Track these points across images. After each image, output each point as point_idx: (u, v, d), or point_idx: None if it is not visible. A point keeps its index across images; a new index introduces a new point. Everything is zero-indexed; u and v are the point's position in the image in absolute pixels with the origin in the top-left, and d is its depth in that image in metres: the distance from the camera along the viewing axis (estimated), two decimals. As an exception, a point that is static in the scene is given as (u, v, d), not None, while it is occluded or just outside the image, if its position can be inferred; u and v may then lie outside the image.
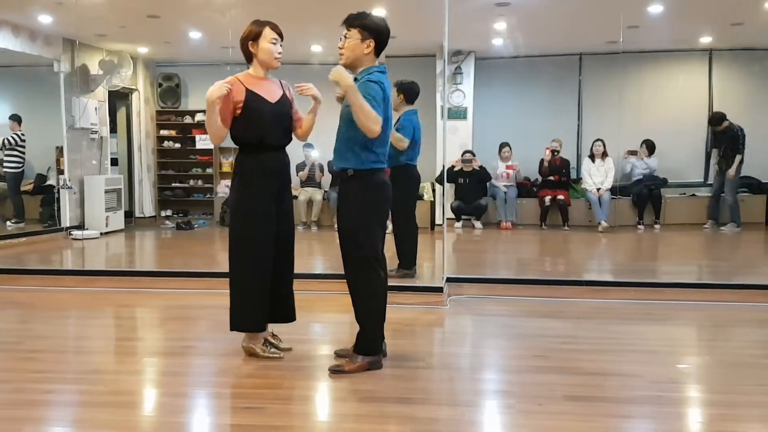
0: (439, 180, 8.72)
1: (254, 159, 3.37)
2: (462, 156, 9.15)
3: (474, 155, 9.19)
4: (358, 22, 3.18)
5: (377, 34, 3.19)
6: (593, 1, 6.83)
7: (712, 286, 5.11)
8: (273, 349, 3.48)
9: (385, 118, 3.14)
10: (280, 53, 3.38)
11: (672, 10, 7.11)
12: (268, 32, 3.34)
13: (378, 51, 3.23)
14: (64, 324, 4.48)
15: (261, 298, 3.39)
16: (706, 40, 9.01)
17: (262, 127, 3.33)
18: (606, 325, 4.26)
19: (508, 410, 2.84)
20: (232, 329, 3.45)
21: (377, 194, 3.24)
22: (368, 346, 3.24)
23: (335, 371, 3.21)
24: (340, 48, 3.23)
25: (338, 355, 3.45)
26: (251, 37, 3.35)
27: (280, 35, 3.39)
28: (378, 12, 6.73)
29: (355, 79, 3.16)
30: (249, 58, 3.41)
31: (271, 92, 3.40)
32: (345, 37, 3.21)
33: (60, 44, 8.36)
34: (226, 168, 10.31)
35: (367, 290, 3.23)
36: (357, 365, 3.21)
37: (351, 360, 3.24)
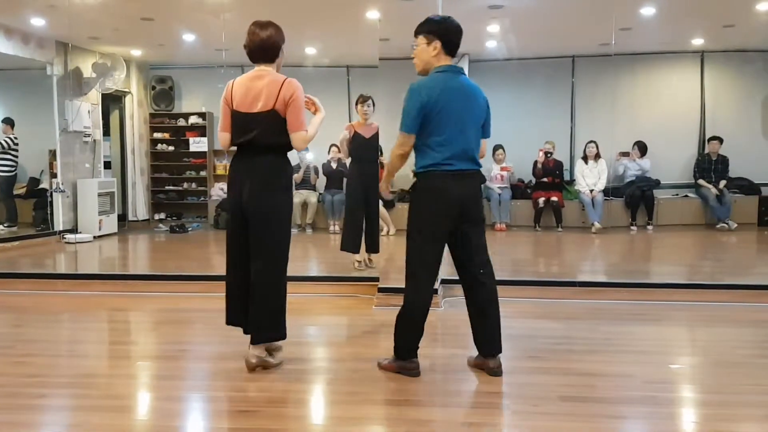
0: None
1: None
2: (456, 158, 9.14)
3: (468, 157, 9.17)
4: (423, 28, 3.22)
5: (440, 33, 3.18)
6: (586, 4, 6.85)
7: (705, 286, 5.12)
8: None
9: (426, 120, 3.12)
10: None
11: (664, 13, 7.14)
12: None
13: (448, 49, 3.21)
14: (57, 328, 4.47)
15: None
16: (698, 42, 9.06)
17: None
18: (599, 326, 4.27)
19: (503, 411, 2.85)
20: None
21: (423, 199, 3.20)
22: (396, 349, 3.29)
23: (378, 364, 3.33)
24: (413, 57, 3.27)
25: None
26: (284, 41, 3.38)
27: None
28: (371, 14, 6.77)
29: None
30: (274, 59, 3.36)
31: None
32: (414, 46, 3.25)
33: (53, 47, 8.33)
34: (220, 171, 10.30)
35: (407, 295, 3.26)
36: (387, 365, 3.30)
37: (388, 360, 3.32)
